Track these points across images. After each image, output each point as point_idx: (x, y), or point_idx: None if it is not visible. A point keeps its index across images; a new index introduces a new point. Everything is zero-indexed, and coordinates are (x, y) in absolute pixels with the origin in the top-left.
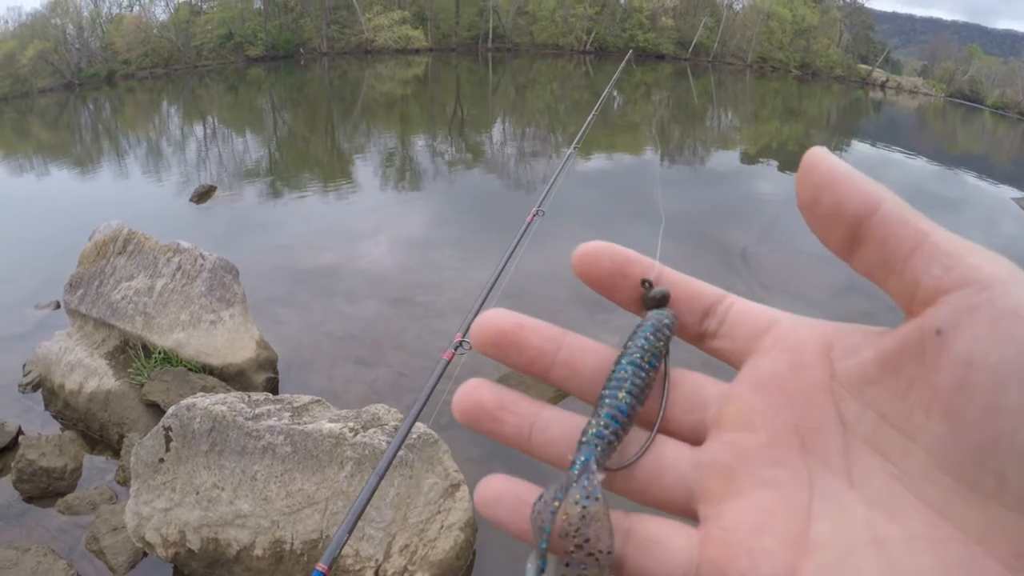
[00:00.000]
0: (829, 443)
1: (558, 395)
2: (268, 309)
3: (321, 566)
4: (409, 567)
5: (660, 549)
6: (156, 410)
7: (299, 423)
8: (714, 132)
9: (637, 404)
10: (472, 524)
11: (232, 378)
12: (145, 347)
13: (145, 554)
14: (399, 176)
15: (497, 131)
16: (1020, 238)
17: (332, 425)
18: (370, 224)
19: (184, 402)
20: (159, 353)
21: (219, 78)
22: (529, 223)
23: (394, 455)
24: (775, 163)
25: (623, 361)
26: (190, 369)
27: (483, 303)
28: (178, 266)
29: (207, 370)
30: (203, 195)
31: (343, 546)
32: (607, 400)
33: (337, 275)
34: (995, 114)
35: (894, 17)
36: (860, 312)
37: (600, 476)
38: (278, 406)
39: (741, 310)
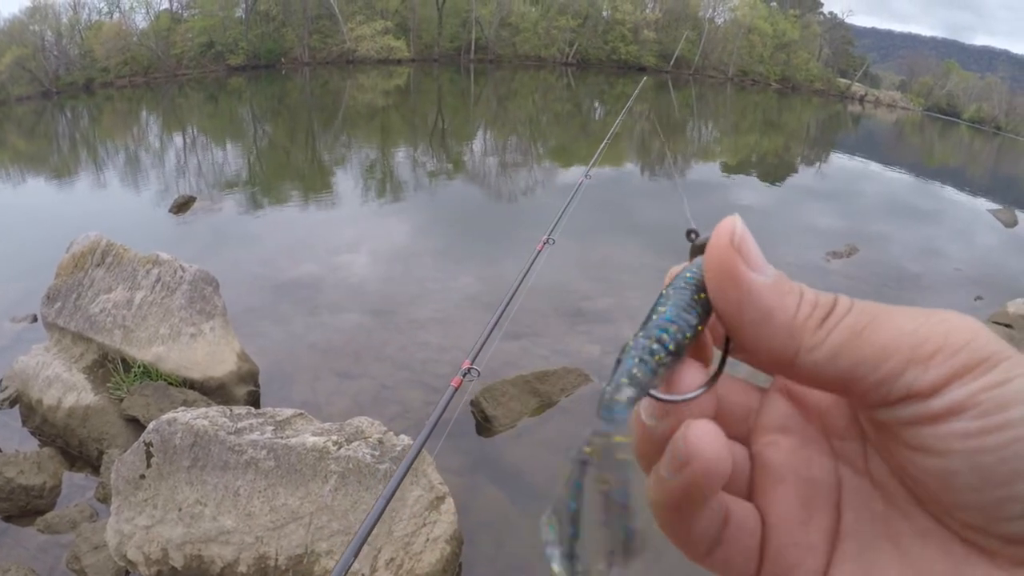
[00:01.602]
0: (852, 448)
1: (542, 405)
2: (249, 321)
3: None
4: None
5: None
6: (136, 425)
7: (282, 437)
8: (695, 144)
9: (686, 316)
10: (458, 537)
11: (213, 392)
12: (124, 361)
13: (128, 572)
14: (380, 187)
15: (479, 142)
16: (996, 248)
17: (315, 439)
18: (351, 236)
19: (165, 417)
20: (138, 367)
21: (199, 87)
22: (539, 251)
23: (401, 479)
24: (755, 173)
25: (667, 292)
26: (170, 383)
27: (492, 331)
28: (157, 278)
29: (188, 384)
30: (182, 206)
31: (349, 569)
32: (653, 316)
33: (318, 287)
34: (972, 128)
35: (874, 32)
36: None
37: (635, 399)
38: (260, 420)
39: None
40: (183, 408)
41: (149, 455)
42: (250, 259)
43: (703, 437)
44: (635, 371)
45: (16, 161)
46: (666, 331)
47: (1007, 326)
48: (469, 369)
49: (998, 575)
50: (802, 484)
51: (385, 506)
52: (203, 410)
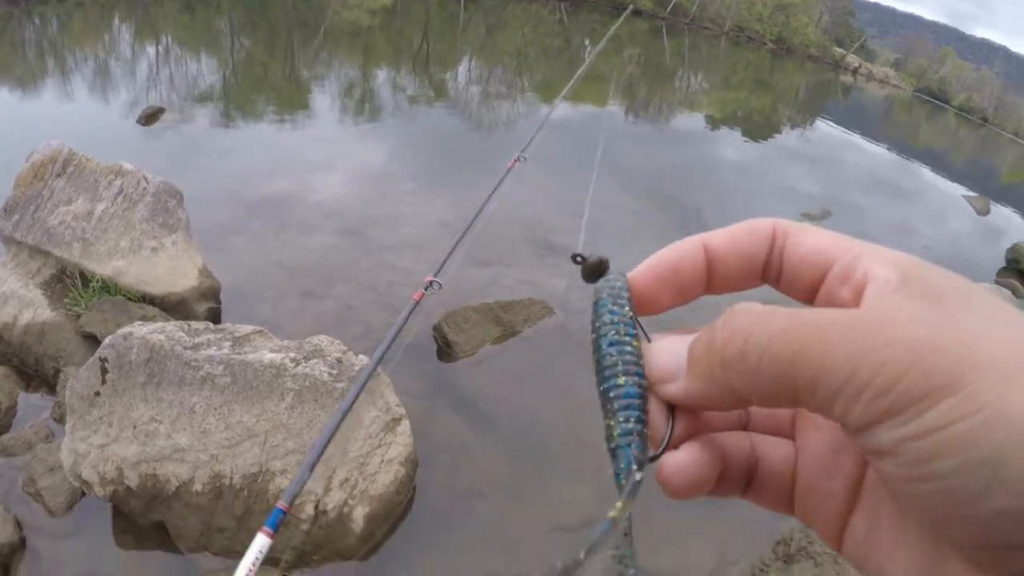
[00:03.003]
0: None
1: (504, 334)
2: (215, 237)
3: (282, 504)
4: (349, 501)
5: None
6: (94, 342)
7: (240, 353)
8: (683, 94)
9: (640, 380)
10: (412, 459)
11: (173, 308)
12: (83, 276)
13: (83, 494)
14: (359, 109)
15: (463, 70)
16: (966, 234)
17: (273, 355)
18: (326, 155)
19: (121, 331)
20: (97, 282)
21: None
22: (510, 168)
23: (357, 395)
24: (740, 130)
25: (602, 345)
26: (129, 299)
27: (457, 244)
28: (120, 189)
29: (147, 299)
30: (151, 117)
31: (304, 484)
32: (611, 393)
33: (289, 205)
34: (959, 115)
35: (876, 7)
36: None
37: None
38: (219, 335)
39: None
40: (139, 323)
41: (104, 371)
42: (220, 173)
43: (670, 473)
44: (637, 454)
45: None
46: (636, 409)
47: None
48: (431, 283)
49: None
50: (835, 432)
51: (340, 422)
52: (160, 324)
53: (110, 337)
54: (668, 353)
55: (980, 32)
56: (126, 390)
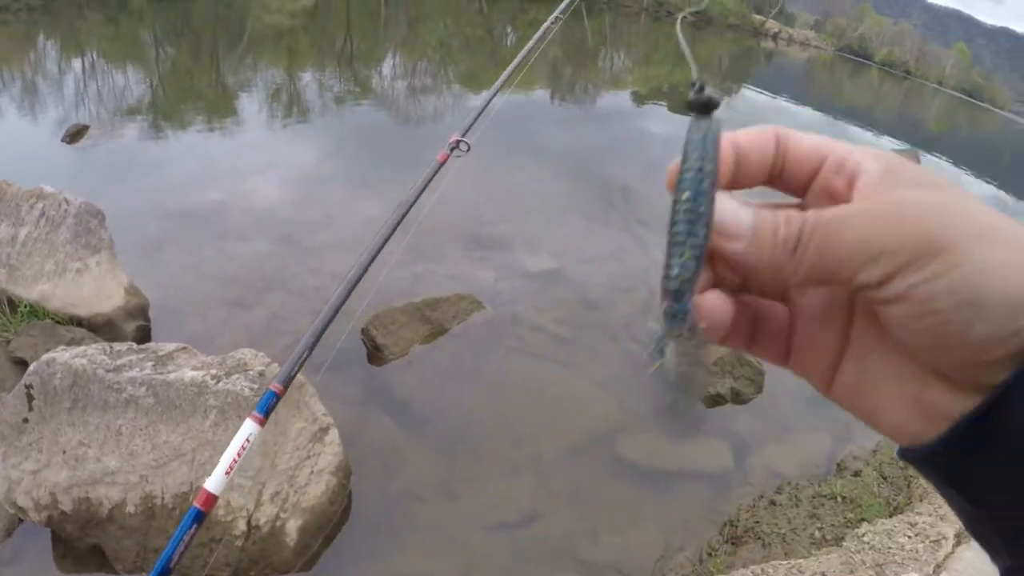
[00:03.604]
0: None
1: (433, 332)
2: (143, 253)
3: (275, 386)
4: (281, 514)
5: None
6: (24, 367)
7: (161, 373)
8: (607, 73)
9: (692, 240)
10: (344, 468)
11: (101, 328)
12: (10, 301)
13: (20, 520)
14: (286, 112)
15: (388, 66)
16: None
17: (194, 373)
18: (254, 161)
19: (44, 357)
20: (24, 307)
21: (99, 8)
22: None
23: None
24: (664, 104)
25: (685, 186)
26: (57, 322)
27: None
28: (42, 212)
29: (75, 321)
30: (75, 135)
31: (303, 362)
32: (682, 236)
33: (219, 215)
34: (882, 70)
35: None
36: None
37: (695, 320)
38: (141, 356)
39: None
40: (62, 348)
41: (30, 398)
42: (148, 187)
43: (712, 307)
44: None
45: None
46: (697, 253)
47: None
48: (459, 142)
49: (954, 397)
50: (826, 294)
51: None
52: (82, 349)
53: (34, 364)
54: (738, 213)
55: None
56: (53, 416)
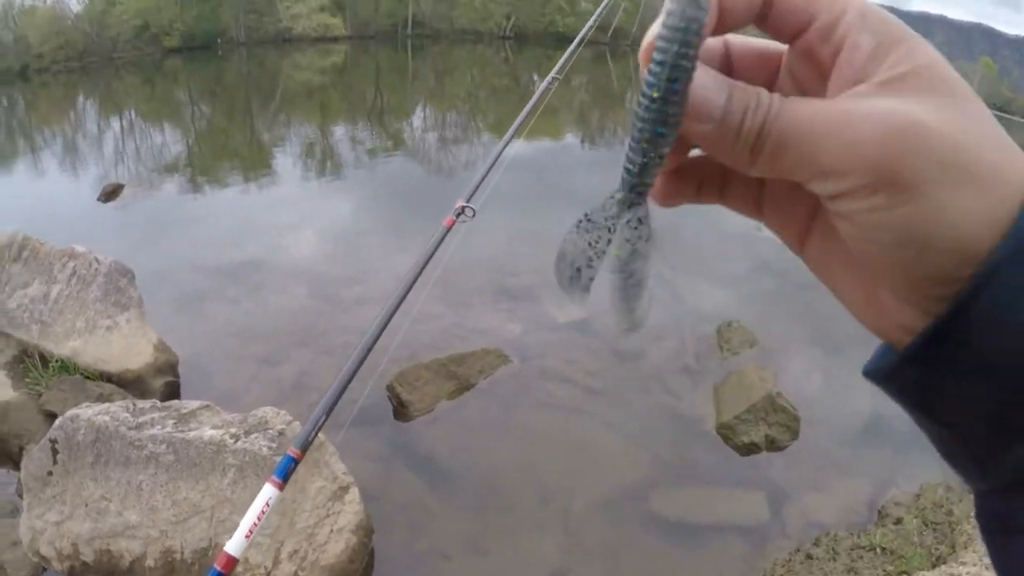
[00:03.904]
0: None
1: (459, 388)
2: (174, 310)
3: (292, 451)
4: (299, 572)
5: None
6: (54, 420)
7: (182, 431)
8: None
9: (661, 130)
10: (365, 526)
11: (130, 384)
12: (42, 356)
13: (44, 568)
14: (319, 167)
15: (418, 118)
16: None
17: (213, 432)
18: (289, 217)
19: (69, 413)
20: (56, 362)
21: (135, 70)
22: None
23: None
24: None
25: (658, 68)
26: (87, 377)
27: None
28: (73, 271)
29: (105, 377)
30: (111, 193)
31: (319, 428)
32: (650, 127)
33: (251, 271)
34: None
35: None
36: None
37: (647, 212)
38: (163, 414)
39: None
40: (87, 404)
41: (55, 452)
42: (180, 245)
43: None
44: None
45: None
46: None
47: None
48: (464, 208)
49: (902, 307)
50: None
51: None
52: (105, 406)
53: (59, 419)
54: (711, 93)
55: (917, 5)
56: (76, 470)
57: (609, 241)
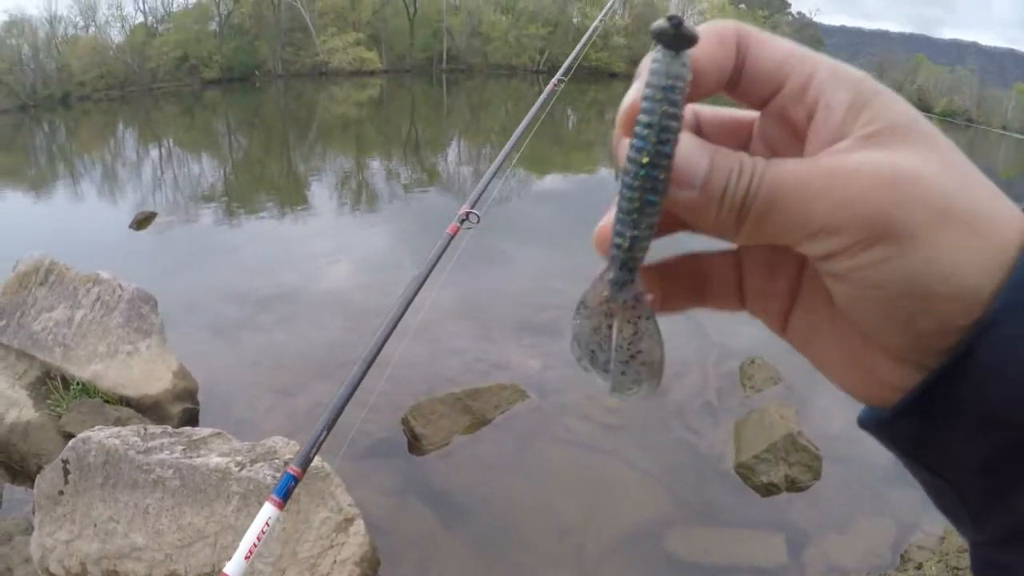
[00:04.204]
0: None
1: (475, 422)
2: (201, 338)
3: (292, 469)
4: None
5: None
6: None
7: (190, 457)
8: None
9: (652, 198)
10: (370, 558)
11: (148, 409)
12: (64, 378)
13: None
14: (355, 199)
15: (452, 152)
16: None
17: (219, 459)
18: (321, 248)
19: (81, 435)
20: (77, 385)
21: (174, 100)
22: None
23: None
24: None
25: (642, 142)
26: (107, 401)
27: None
28: (97, 296)
29: (124, 401)
30: (143, 221)
31: (319, 447)
32: (638, 199)
33: (281, 302)
34: (944, 120)
35: (843, 31)
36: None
37: (641, 289)
38: (173, 439)
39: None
40: (99, 427)
41: (66, 472)
42: (210, 273)
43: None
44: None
45: None
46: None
47: None
48: (468, 214)
49: (895, 368)
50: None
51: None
52: (116, 429)
53: (72, 441)
54: (693, 158)
55: (948, 33)
56: (86, 490)
57: (610, 326)
